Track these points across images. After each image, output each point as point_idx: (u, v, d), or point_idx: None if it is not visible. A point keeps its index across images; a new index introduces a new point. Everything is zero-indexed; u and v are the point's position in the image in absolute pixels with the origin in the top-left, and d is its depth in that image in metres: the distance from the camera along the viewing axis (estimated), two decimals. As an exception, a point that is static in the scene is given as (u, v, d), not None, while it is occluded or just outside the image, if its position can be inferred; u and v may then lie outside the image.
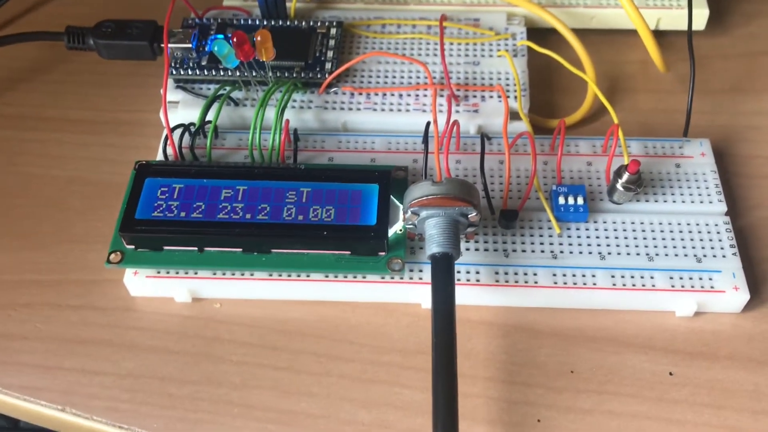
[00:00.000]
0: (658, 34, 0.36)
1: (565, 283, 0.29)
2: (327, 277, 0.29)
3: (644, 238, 0.30)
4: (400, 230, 0.29)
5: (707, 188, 0.31)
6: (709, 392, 0.27)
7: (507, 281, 0.29)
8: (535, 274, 0.29)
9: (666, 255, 0.29)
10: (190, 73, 0.34)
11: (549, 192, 0.31)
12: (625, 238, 0.30)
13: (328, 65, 0.34)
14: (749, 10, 0.41)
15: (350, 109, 0.34)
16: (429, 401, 0.25)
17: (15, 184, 0.34)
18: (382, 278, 0.29)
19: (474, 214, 0.27)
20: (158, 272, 0.29)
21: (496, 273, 0.29)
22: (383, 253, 0.29)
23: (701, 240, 0.30)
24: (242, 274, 0.29)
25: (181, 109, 0.34)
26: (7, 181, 0.34)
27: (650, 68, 0.38)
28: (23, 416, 0.29)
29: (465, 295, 0.29)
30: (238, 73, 0.34)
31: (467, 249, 0.30)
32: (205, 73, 0.34)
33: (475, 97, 0.34)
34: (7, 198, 0.34)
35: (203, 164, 0.31)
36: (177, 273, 0.29)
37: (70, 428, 0.28)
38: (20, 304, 0.30)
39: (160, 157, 0.32)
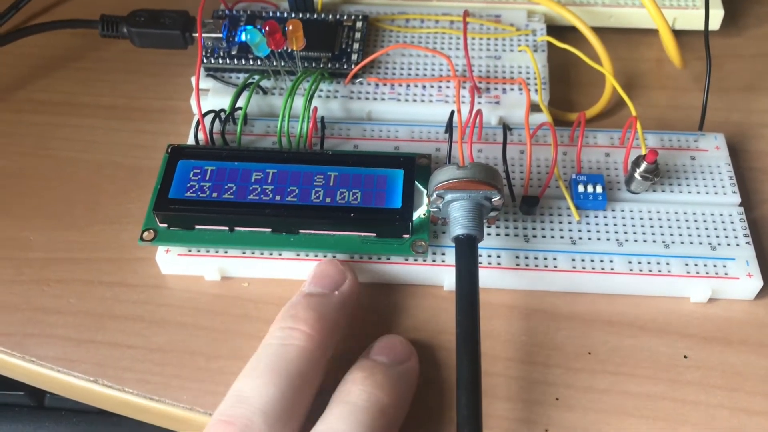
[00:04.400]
0: (673, 34, 0.37)
1: (583, 268, 0.30)
2: (352, 258, 0.30)
3: (660, 227, 0.31)
4: (424, 214, 0.30)
5: (721, 180, 0.32)
6: (722, 375, 0.28)
7: (527, 265, 0.30)
8: (554, 259, 0.30)
9: (681, 243, 0.30)
10: (220, 62, 0.35)
11: (568, 181, 0.32)
12: (642, 226, 0.31)
13: (354, 56, 0.36)
14: (763, 13, 0.42)
15: (375, 99, 0.35)
16: (450, 378, 0.26)
17: (49, 168, 0.35)
18: (406, 260, 0.30)
19: (497, 198, 0.28)
20: (189, 251, 0.30)
21: (517, 257, 0.30)
22: (407, 236, 0.30)
23: (716, 229, 0.31)
24: (270, 254, 0.30)
25: (211, 97, 0.35)
26: (42, 165, 0.35)
27: (665, 66, 0.39)
28: (56, 388, 0.30)
29: (486, 278, 0.30)
30: (267, 63, 0.35)
31: (488, 234, 0.30)
32: (235, 62, 0.35)
33: (496, 89, 0.35)
34: (42, 181, 0.35)
35: (234, 148, 0.32)
36: (207, 252, 0.30)
37: (102, 399, 0.29)
38: (53, 280, 0.31)
39: (190, 141, 0.33)
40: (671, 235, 0.30)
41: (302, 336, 0.26)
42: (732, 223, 0.31)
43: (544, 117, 0.34)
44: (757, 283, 0.29)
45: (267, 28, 0.32)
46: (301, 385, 0.25)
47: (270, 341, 0.26)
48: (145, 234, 0.30)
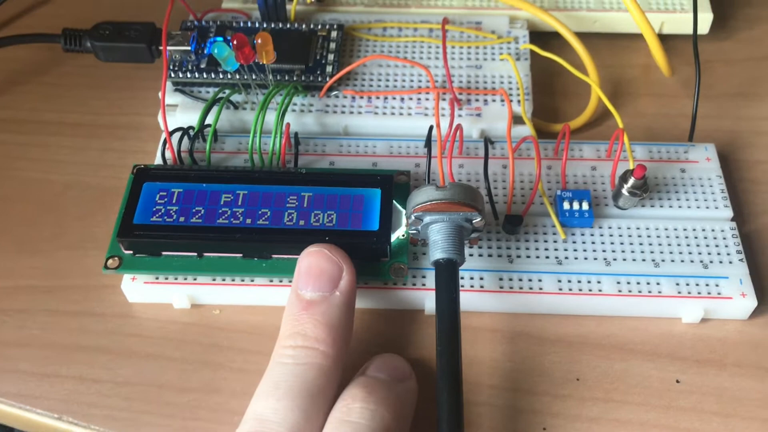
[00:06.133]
0: (661, 39, 0.35)
1: (570, 290, 0.28)
2: (328, 283, 0.29)
3: (650, 244, 0.29)
4: (403, 235, 0.29)
5: (713, 193, 0.31)
6: (717, 400, 0.27)
7: (511, 287, 0.28)
8: (540, 280, 0.29)
9: (672, 261, 0.29)
10: (188, 75, 0.34)
11: (553, 197, 0.31)
12: (631, 243, 0.29)
13: (328, 68, 0.34)
14: (752, 15, 0.40)
15: (351, 112, 0.34)
16: (432, 409, 0.24)
17: (11, 189, 0.34)
18: (385, 284, 0.29)
19: (478, 219, 0.27)
20: (156, 278, 0.29)
21: (501, 279, 0.29)
22: (386, 259, 0.28)
23: (707, 246, 0.29)
24: (242, 280, 0.29)
25: (180, 113, 0.34)
26: (3, 186, 0.34)
27: (653, 72, 0.38)
28: (19, 425, 0.28)
29: (469, 301, 0.28)
30: (237, 76, 0.33)
31: (470, 255, 0.29)
32: (204, 76, 0.34)
33: (477, 100, 0.34)
34: (3, 202, 0.33)
35: (203, 168, 0.31)
36: (176, 279, 0.29)
37: (67, 437, 0.28)
38: (16, 310, 0.30)
39: (158, 161, 0.32)
40: (661, 253, 0.29)
41: (317, 354, 0.24)
42: (724, 239, 0.29)
43: (527, 129, 0.32)
44: (751, 302, 0.28)
45: (235, 42, 0.30)
46: (322, 404, 0.24)
47: (283, 360, 0.25)
48: (110, 262, 0.29)
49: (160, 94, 0.32)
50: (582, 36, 0.35)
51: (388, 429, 0.23)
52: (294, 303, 0.26)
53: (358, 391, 0.24)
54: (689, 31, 0.36)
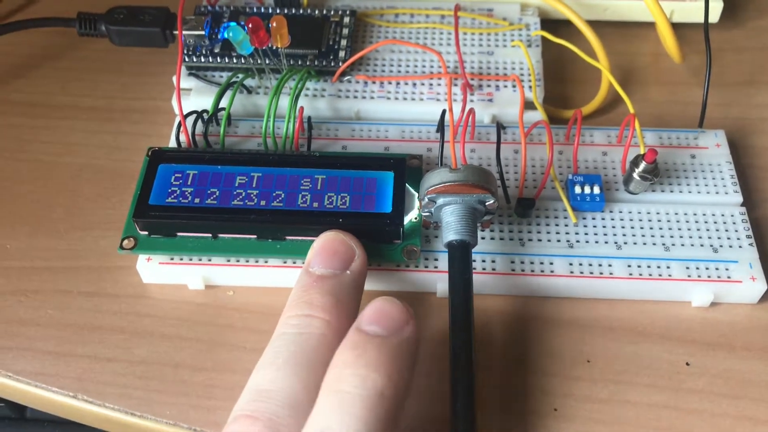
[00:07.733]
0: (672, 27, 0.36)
1: (581, 273, 0.29)
2: (342, 264, 0.29)
3: (660, 228, 0.30)
4: (416, 218, 0.29)
5: (723, 179, 0.31)
6: (726, 382, 0.27)
7: (523, 270, 0.29)
8: (551, 263, 0.29)
9: (682, 245, 0.29)
10: (202, 60, 0.34)
11: (565, 181, 0.31)
12: (642, 228, 0.30)
13: (341, 53, 0.34)
14: (762, 4, 0.40)
15: (364, 97, 0.34)
16: (445, 389, 0.25)
17: (26, 172, 0.34)
18: (397, 266, 0.29)
19: (492, 201, 0.27)
20: (171, 259, 0.29)
21: (512, 262, 0.29)
22: (398, 241, 0.29)
23: (717, 230, 0.30)
24: (256, 262, 0.29)
25: (194, 97, 0.34)
26: (19, 169, 0.34)
27: (663, 60, 0.38)
28: (34, 403, 0.29)
29: (480, 284, 0.29)
30: (251, 61, 0.33)
31: (482, 238, 0.29)
32: (218, 60, 0.34)
33: (489, 86, 0.34)
34: (18, 185, 0.33)
35: (217, 151, 0.31)
36: (190, 260, 0.29)
37: (82, 415, 0.28)
38: (31, 291, 0.30)
39: (172, 144, 0.32)
40: (671, 237, 0.29)
41: (321, 324, 0.24)
42: (734, 223, 0.30)
43: (538, 115, 0.33)
44: (761, 286, 0.28)
45: (250, 26, 0.30)
46: (322, 375, 0.23)
47: (286, 330, 0.24)
48: (125, 242, 0.29)
49: (174, 79, 0.33)
50: (592, 24, 0.35)
51: (382, 394, 0.22)
52: (303, 278, 0.26)
53: (347, 355, 0.23)
54: (699, 19, 0.36)
